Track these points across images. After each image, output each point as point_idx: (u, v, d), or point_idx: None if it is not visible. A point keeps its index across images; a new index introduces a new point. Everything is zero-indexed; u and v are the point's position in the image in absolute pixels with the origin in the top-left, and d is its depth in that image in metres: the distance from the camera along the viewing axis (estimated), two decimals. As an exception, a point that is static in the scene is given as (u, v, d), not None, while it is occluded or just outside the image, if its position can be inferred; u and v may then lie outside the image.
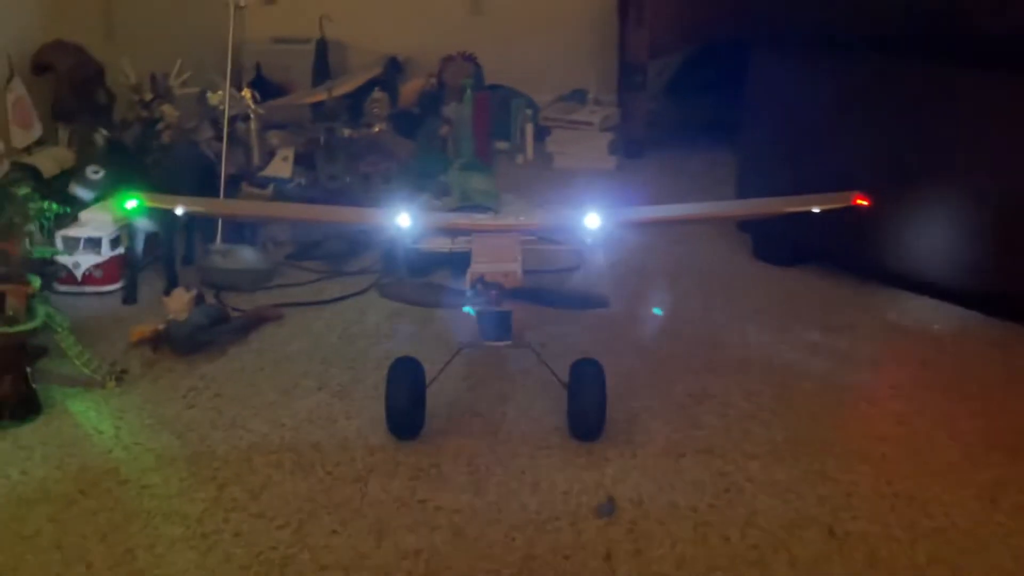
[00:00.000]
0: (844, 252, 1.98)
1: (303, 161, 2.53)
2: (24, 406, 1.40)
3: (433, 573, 1.08)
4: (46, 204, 1.44)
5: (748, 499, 1.23)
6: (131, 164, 1.78)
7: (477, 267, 1.26)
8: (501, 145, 3.10)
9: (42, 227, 1.43)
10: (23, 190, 1.50)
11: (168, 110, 2.52)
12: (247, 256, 2.00)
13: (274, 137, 2.72)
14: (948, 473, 1.29)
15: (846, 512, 1.20)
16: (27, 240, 1.36)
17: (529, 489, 1.25)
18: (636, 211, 1.49)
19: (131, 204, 1.34)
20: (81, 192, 1.69)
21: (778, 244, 2.09)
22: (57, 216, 1.53)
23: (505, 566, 1.10)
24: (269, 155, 2.55)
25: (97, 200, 1.77)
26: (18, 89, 2.11)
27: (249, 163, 2.51)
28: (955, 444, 1.36)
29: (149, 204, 1.37)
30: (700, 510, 1.20)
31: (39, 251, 1.49)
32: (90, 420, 1.42)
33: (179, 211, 1.47)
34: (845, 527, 1.17)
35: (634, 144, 3.09)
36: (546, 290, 1.32)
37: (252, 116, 2.55)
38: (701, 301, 1.88)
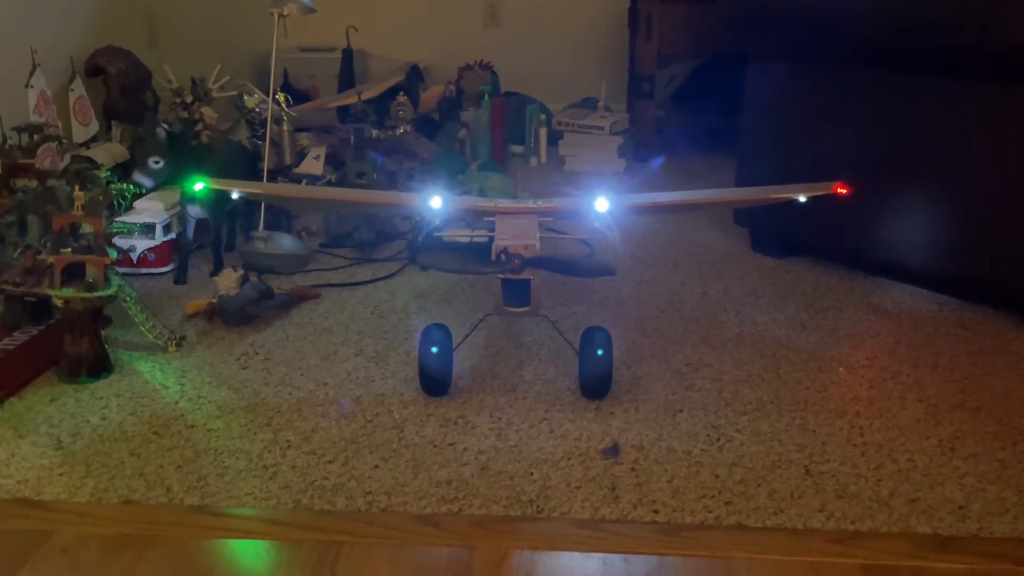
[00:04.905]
0: (833, 244, 2.15)
1: (331, 160, 2.73)
2: (99, 364, 1.59)
3: (463, 497, 1.26)
4: (124, 186, 1.64)
5: (736, 446, 1.40)
6: (187, 156, 1.97)
7: (501, 241, 1.45)
8: (516, 149, 3.30)
9: (119, 206, 1.62)
10: (104, 173, 1.70)
11: (207, 112, 2.71)
12: (286, 242, 2.19)
13: (303, 139, 2.93)
14: (914, 427, 1.46)
15: (821, 456, 1.37)
16: (106, 217, 1.54)
17: (545, 436, 1.43)
18: (641, 196, 1.67)
19: (198, 186, 1.53)
20: (143, 180, 1.88)
21: (773, 237, 2.28)
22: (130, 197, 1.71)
23: (524, 493, 1.27)
24: (299, 155, 2.75)
25: (156, 188, 1.97)
26: (79, 89, 2.31)
27: (282, 162, 2.70)
28: (922, 404, 1.53)
29: (213, 186, 1.56)
30: (694, 454, 1.38)
31: (116, 227, 1.68)
32: (156, 378, 1.61)
33: (235, 194, 1.65)
34: (819, 468, 1.34)
35: (643, 148, 3.29)
36: (560, 260, 1.50)
37: (285, 118, 2.75)
38: (700, 286, 2.06)
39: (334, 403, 1.51)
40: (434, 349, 1.50)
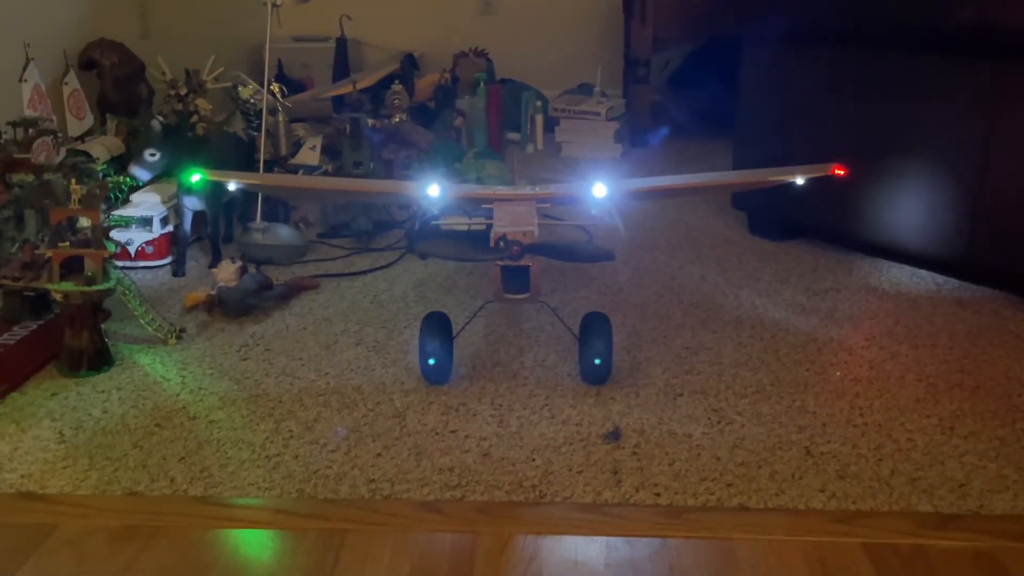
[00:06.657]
0: (831, 226, 2.15)
1: (328, 151, 2.72)
2: (100, 357, 1.59)
3: (466, 484, 1.27)
4: (121, 178, 1.63)
5: (737, 428, 1.41)
6: (183, 148, 1.97)
7: (499, 228, 1.44)
8: (513, 136, 3.29)
9: (116, 199, 1.61)
10: (100, 167, 1.69)
11: (202, 103, 2.70)
12: (284, 233, 2.19)
13: (299, 129, 2.92)
14: (913, 407, 1.46)
15: (821, 437, 1.38)
16: (103, 211, 1.54)
17: (546, 422, 1.43)
18: (638, 181, 1.66)
19: (195, 178, 1.53)
20: (139, 172, 1.87)
21: (771, 220, 2.27)
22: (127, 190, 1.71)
23: (527, 479, 1.28)
24: (295, 145, 2.74)
25: (152, 181, 1.97)
26: (73, 83, 2.30)
27: (278, 153, 2.70)
28: (921, 384, 1.54)
29: (209, 178, 1.55)
30: (695, 437, 1.39)
31: (113, 220, 1.68)
32: (157, 370, 1.61)
33: (232, 186, 1.65)
34: (820, 449, 1.35)
35: (639, 133, 3.28)
36: (559, 246, 1.50)
37: (280, 109, 2.74)
38: (699, 270, 2.06)
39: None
40: (433, 338, 1.50)
